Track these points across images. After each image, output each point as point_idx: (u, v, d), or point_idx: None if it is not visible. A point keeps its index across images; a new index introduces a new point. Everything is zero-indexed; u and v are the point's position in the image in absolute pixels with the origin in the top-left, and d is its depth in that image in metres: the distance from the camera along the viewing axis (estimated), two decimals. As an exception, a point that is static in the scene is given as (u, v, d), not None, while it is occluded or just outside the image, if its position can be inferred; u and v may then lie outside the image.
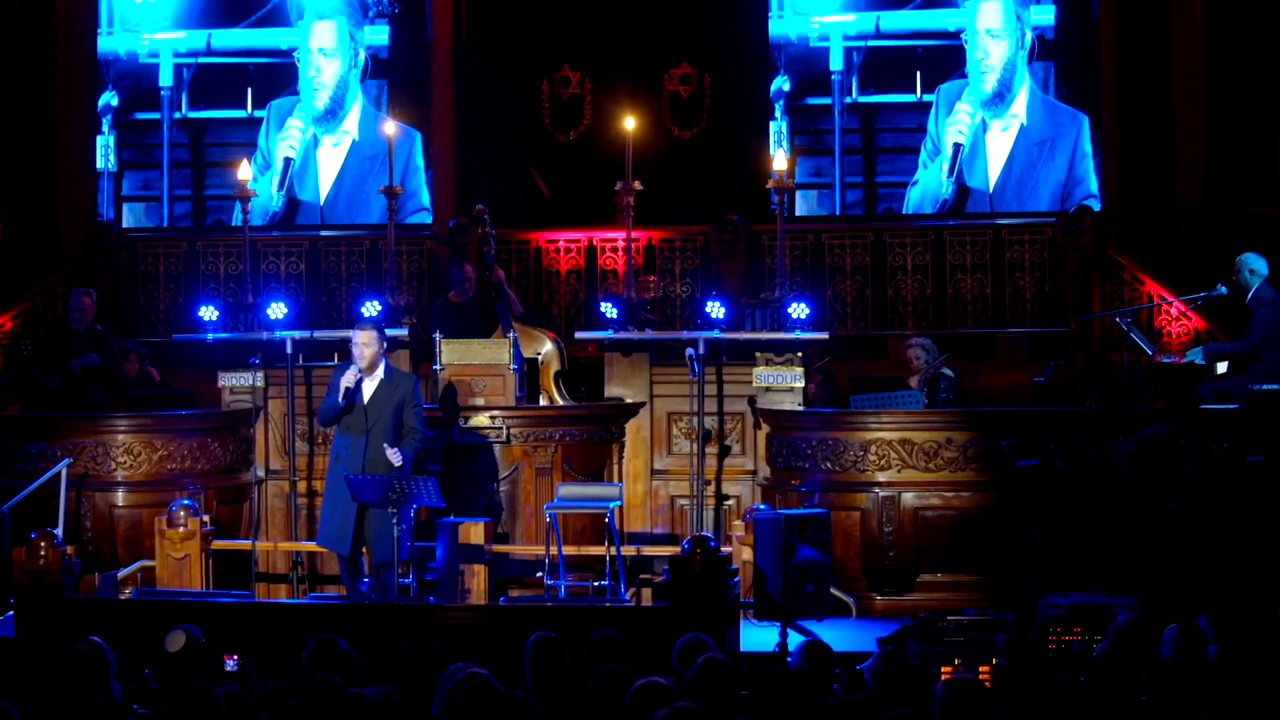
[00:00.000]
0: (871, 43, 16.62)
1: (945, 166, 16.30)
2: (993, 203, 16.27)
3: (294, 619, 9.86)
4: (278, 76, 17.04)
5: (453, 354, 12.47)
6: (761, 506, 11.66)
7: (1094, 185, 16.09)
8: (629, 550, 11.96)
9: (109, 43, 17.18)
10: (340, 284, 16.12)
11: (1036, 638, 9.54)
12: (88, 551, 11.99)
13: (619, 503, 11.88)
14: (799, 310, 12.25)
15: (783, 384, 12.35)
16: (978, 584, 11.57)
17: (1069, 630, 9.47)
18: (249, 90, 17.11)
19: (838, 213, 16.64)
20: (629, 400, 12.59)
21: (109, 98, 17.17)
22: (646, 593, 11.92)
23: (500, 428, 12.29)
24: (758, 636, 10.45)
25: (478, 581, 11.45)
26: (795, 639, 9.52)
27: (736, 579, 10.39)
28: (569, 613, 9.99)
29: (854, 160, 16.77)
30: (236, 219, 15.00)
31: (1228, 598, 9.46)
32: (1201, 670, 7.37)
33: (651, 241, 15.69)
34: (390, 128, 13.79)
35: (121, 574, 11.73)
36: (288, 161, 16.89)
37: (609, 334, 12.59)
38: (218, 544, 12.00)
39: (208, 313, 12.68)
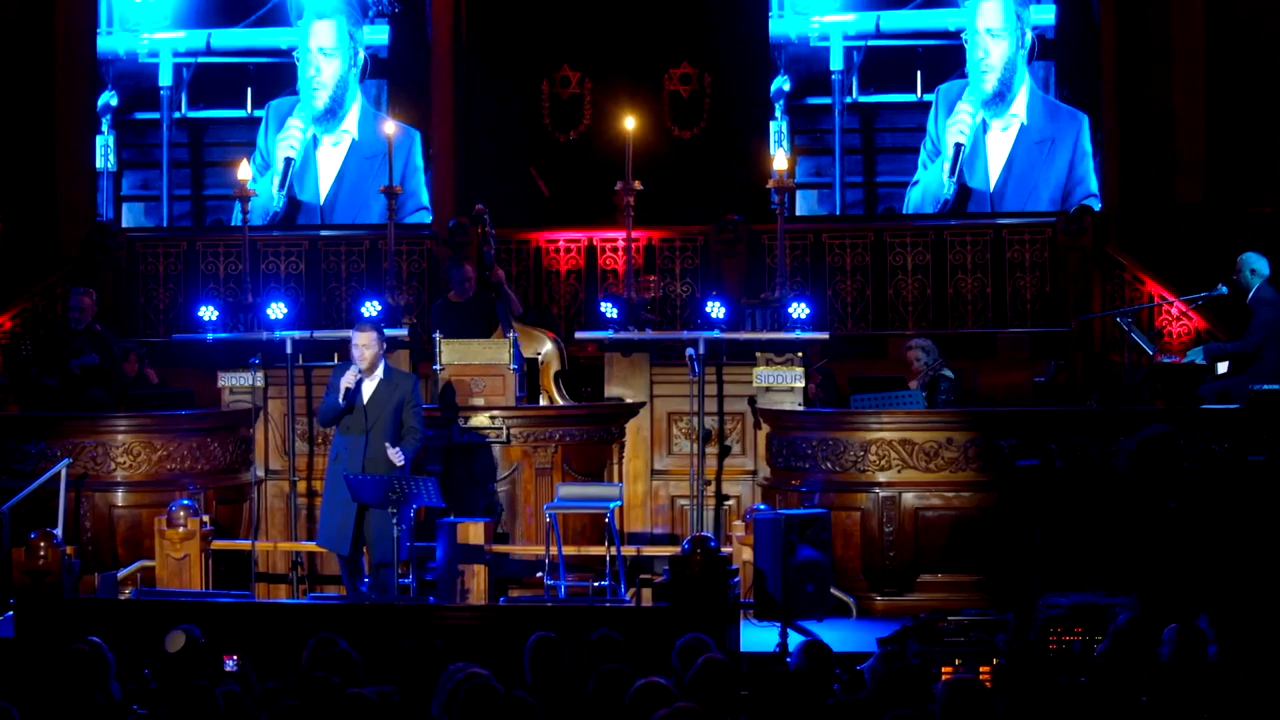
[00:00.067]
0: (872, 42, 16.61)
1: (947, 166, 16.29)
2: (993, 202, 16.26)
3: (294, 619, 9.85)
4: (277, 76, 17.04)
5: (453, 354, 12.46)
6: (762, 506, 11.65)
7: (1094, 185, 16.09)
8: (629, 550, 11.95)
9: (108, 42, 17.17)
10: (340, 284, 16.11)
11: (1037, 638, 9.53)
12: (87, 551, 11.99)
13: (619, 503, 11.88)
14: (799, 310, 12.24)
15: (783, 384, 12.34)
16: (978, 584, 11.56)
17: (1069, 630, 9.46)
18: (249, 90, 17.10)
19: (838, 213, 16.63)
20: (629, 400, 12.58)
21: (108, 97, 17.16)
22: (646, 593, 11.92)
23: (500, 428, 12.28)
24: (758, 637, 10.44)
25: (478, 581, 11.44)
26: (795, 639, 9.51)
27: (737, 579, 10.39)
28: (569, 613, 9.98)
29: (854, 160, 16.76)
30: (236, 219, 14.99)
31: (1228, 598, 9.45)
32: (1202, 670, 7.36)
33: (651, 241, 15.68)
34: (390, 127, 13.79)
35: (121, 574, 11.72)
36: (288, 161, 16.88)
37: (609, 334, 12.59)
38: (217, 544, 11.99)
39: (207, 313, 12.67)
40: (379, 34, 16.96)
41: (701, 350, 12.06)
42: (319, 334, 12.89)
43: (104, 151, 17.12)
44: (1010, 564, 10.93)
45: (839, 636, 10.18)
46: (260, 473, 12.69)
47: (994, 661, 9.00)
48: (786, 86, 16.65)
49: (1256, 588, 9.72)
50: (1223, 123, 15.78)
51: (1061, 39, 16.30)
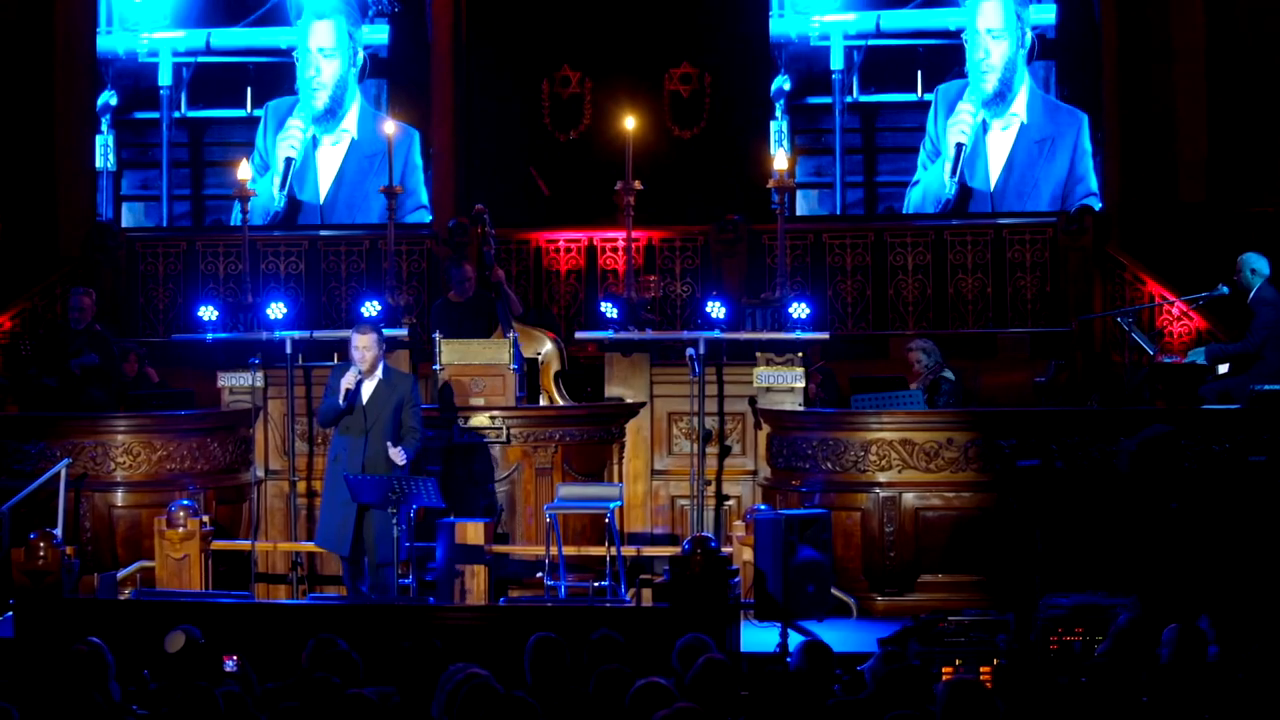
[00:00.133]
0: (872, 42, 16.60)
1: (948, 167, 16.28)
2: (994, 202, 16.25)
3: (294, 619, 9.84)
4: (277, 76, 17.03)
5: (452, 354, 12.46)
6: (762, 507, 11.65)
7: (1094, 183, 16.08)
8: (629, 550, 11.94)
9: (108, 42, 17.16)
10: (340, 284, 16.10)
11: (1037, 638, 9.52)
12: (87, 552, 11.98)
13: (619, 503, 11.87)
14: (799, 310, 12.24)
15: (783, 384, 12.33)
16: (979, 584, 11.56)
17: (1070, 631, 9.46)
18: (248, 90, 17.09)
19: (838, 212, 16.62)
20: (629, 400, 12.57)
21: (108, 97, 17.15)
22: (647, 593, 11.91)
23: (500, 428, 12.28)
24: (758, 637, 10.43)
25: (478, 582, 11.43)
26: (796, 639, 9.50)
27: (737, 579, 10.39)
28: (569, 613, 9.97)
29: (854, 160, 16.75)
30: (236, 219, 14.98)
31: (1229, 598, 9.44)
32: (1202, 671, 7.35)
33: (652, 241, 15.68)
34: (390, 127, 13.77)
35: (121, 574, 11.72)
36: (289, 161, 16.87)
37: (609, 334, 12.58)
38: (217, 544, 11.99)
39: (207, 313, 12.67)
40: (379, 33, 16.95)
41: (702, 350, 12.05)
42: (319, 334, 12.88)
43: (104, 151, 17.11)
44: (1011, 564, 10.93)
45: (839, 637, 10.17)
46: (260, 473, 12.69)
47: (994, 662, 8.99)
48: (787, 86, 16.64)
49: (1257, 588, 9.72)
50: (1223, 122, 15.77)
51: (1062, 39, 16.29)
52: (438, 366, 12.42)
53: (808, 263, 15.71)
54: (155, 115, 17.21)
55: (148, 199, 17.39)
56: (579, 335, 13.42)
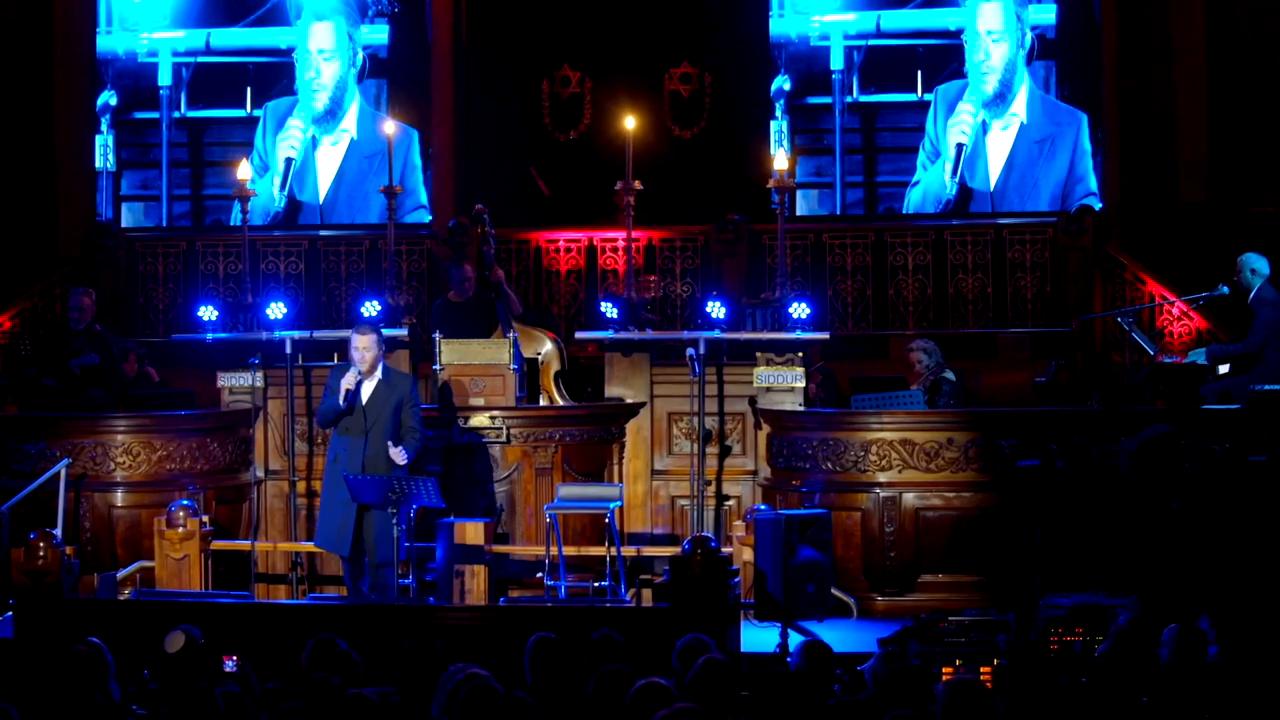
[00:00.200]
0: (872, 42, 16.59)
1: (949, 167, 16.28)
2: (994, 202, 16.25)
3: (293, 619, 9.84)
4: (277, 76, 17.02)
5: (452, 354, 12.45)
6: (762, 507, 11.64)
7: (1094, 183, 16.08)
8: (629, 551, 11.94)
9: (108, 42, 17.16)
10: (340, 284, 16.10)
11: (1038, 638, 9.52)
12: (87, 552, 11.98)
13: (619, 503, 11.87)
14: (799, 310, 12.23)
15: (783, 384, 12.33)
16: (979, 584, 11.56)
17: (1070, 631, 9.46)
18: (248, 90, 17.09)
19: (838, 212, 16.62)
20: (629, 400, 12.57)
21: (108, 97, 17.14)
22: (647, 593, 11.91)
23: (500, 428, 12.27)
24: (758, 637, 10.43)
25: (477, 582, 11.43)
26: (796, 639, 9.49)
27: (737, 579, 10.38)
28: (569, 613, 9.97)
29: (854, 160, 16.75)
30: (235, 219, 14.97)
31: (1229, 598, 9.44)
32: (1202, 671, 7.35)
33: (652, 241, 15.67)
34: (390, 127, 13.77)
35: (120, 574, 11.71)
36: (289, 162, 16.87)
37: (609, 334, 12.58)
38: (217, 544, 11.98)
39: (207, 313, 12.66)
40: (378, 34, 16.94)
41: (702, 350, 12.05)
42: (319, 334, 12.88)
43: (103, 151, 17.11)
44: (1011, 564, 10.93)
45: (839, 637, 10.17)
46: (260, 473, 12.68)
47: (995, 662, 8.99)
48: (787, 86, 16.63)
49: (1257, 588, 9.71)
50: (1223, 122, 15.76)
51: (1062, 39, 16.29)
52: (438, 366, 12.41)
53: (808, 263, 15.71)
54: (155, 115, 17.21)
55: (148, 199, 17.39)
56: (579, 335, 13.42)
